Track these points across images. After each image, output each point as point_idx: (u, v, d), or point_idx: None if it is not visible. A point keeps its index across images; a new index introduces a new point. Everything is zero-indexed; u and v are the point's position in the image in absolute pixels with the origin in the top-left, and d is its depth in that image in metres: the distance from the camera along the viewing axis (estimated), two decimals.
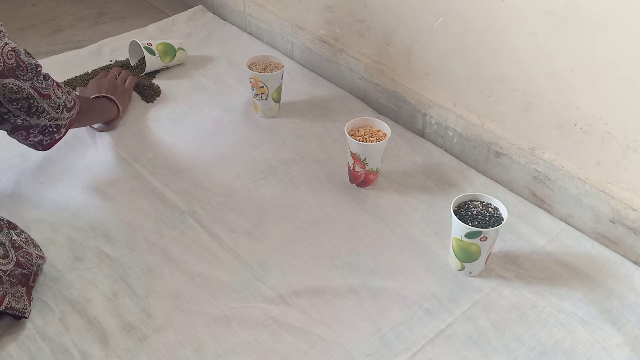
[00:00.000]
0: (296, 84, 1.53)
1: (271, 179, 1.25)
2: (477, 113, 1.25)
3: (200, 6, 1.88)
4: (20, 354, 0.92)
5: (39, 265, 1.02)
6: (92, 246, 1.09)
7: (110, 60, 1.62)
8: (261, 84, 1.36)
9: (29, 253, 0.99)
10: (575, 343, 0.94)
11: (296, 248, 1.10)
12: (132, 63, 1.58)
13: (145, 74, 1.55)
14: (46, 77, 1.09)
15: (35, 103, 1.06)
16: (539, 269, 1.06)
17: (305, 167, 1.27)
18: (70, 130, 1.19)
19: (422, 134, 1.37)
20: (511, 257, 1.08)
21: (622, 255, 1.07)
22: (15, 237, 0.99)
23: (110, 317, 0.97)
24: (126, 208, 1.17)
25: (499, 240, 1.09)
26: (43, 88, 1.07)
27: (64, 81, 1.51)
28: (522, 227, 1.13)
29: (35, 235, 1.08)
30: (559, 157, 1.13)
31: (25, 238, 1.02)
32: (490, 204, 1.03)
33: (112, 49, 1.67)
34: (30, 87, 1.04)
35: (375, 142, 1.16)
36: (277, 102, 1.41)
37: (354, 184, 1.23)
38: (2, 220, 1.00)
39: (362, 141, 1.16)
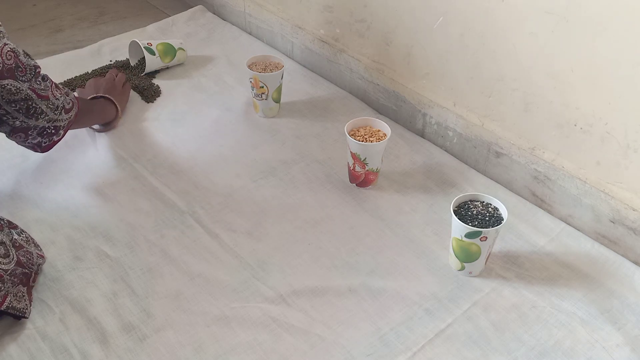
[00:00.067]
0: (296, 84, 1.53)
1: (271, 179, 1.25)
2: (477, 113, 1.25)
3: (200, 6, 1.88)
4: (20, 354, 0.92)
5: (39, 264, 1.02)
6: (92, 246, 1.09)
7: (110, 60, 1.62)
8: (261, 84, 1.36)
9: (30, 252, 1.00)
10: (575, 343, 0.94)
11: (296, 248, 1.10)
12: (132, 63, 1.58)
13: (145, 74, 1.55)
14: (45, 78, 1.09)
15: (34, 104, 1.06)
16: (539, 269, 1.06)
17: (305, 167, 1.28)
18: (69, 130, 1.19)
19: (422, 134, 1.37)
20: (511, 257, 1.08)
21: (622, 255, 1.07)
22: (16, 237, 0.99)
23: (110, 317, 0.97)
24: (126, 208, 1.17)
25: (499, 240, 1.09)
26: (41, 89, 1.07)
27: (64, 81, 1.52)
28: (522, 227, 1.13)
29: (35, 235, 1.08)
30: (559, 157, 1.13)
31: (26, 237, 1.02)
32: (490, 204, 1.03)
33: (112, 49, 1.67)
34: (28, 88, 1.04)
35: (375, 142, 1.16)
36: (277, 102, 1.41)
37: (354, 184, 1.23)
38: (3, 220, 1.00)
39: (362, 141, 1.16)
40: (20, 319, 0.96)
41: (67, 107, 1.14)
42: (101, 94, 1.33)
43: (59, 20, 1.91)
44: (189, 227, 1.13)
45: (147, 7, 2.01)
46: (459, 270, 1.04)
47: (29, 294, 0.97)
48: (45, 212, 1.16)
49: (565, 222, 1.14)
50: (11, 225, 1.01)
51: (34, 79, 1.05)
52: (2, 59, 1.00)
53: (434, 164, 1.28)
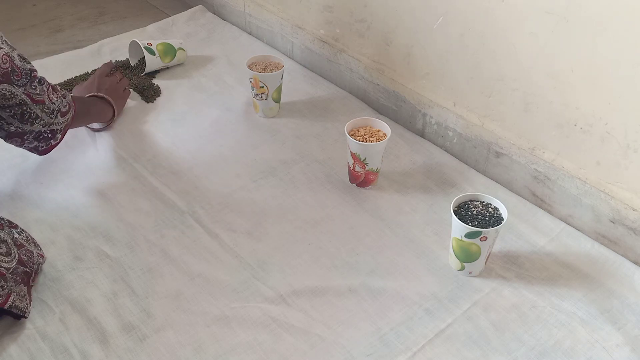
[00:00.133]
0: (296, 84, 1.53)
1: (271, 179, 1.25)
2: (477, 113, 1.25)
3: (200, 6, 1.88)
4: (20, 354, 0.92)
5: (39, 264, 1.02)
6: (92, 246, 1.09)
7: (110, 60, 1.61)
8: (261, 84, 1.36)
9: (30, 251, 1.00)
10: (575, 343, 0.94)
11: (296, 248, 1.10)
12: (132, 63, 1.58)
13: (145, 74, 1.55)
14: (41, 81, 1.07)
15: (28, 110, 1.05)
16: (539, 269, 1.06)
17: (305, 167, 1.28)
18: (69, 130, 1.19)
19: (422, 134, 1.37)
20: (511, 257, 1.08)
21: (622, 255, 1.07)
22: (16, 236, 0.99)
23: (110, 317, 0.97)
24: (126, 208, 1.17)
25: (499, 240, 1.09)
26: (37, 94, 1.06)
27: (64, 81, 1.52)
28: (522, 227, 1.13)
29: (36, 235, 1.08)
30: (559, 157, 1.13)
31: (26, 237, 1.02)
32: (490, 204, 1.03)
33: (112, 49, 1.67)
34: (23, 93, 1.03)
35: (375, 142, 1.16)
36: (277, 102, 1.41)
37: (354, 184, 1.23)
38: (3, 219, 1.00)
39: (362, 141, 1.16)
40: (20, 319, 0.96)
41: (64, 110, 1.13)
42: (102, 94, 1.32)
43: (59, 20, 1.91)
44: (189, 227, 1.13)
45: (147, 7, 2.01)
46: (459, 270, 1.04)
47: (29, 293, 0.97)
48: (45, 212, 1.16)
49: (565, 222, 1.14)
50: (11, 225, 1.01)
51: (29, 84, 1.04)
52: None
53: (434, 164, 1.28)
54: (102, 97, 1.32)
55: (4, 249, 0.94)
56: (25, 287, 0.96)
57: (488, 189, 1.21)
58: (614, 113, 1.02)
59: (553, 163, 1.14)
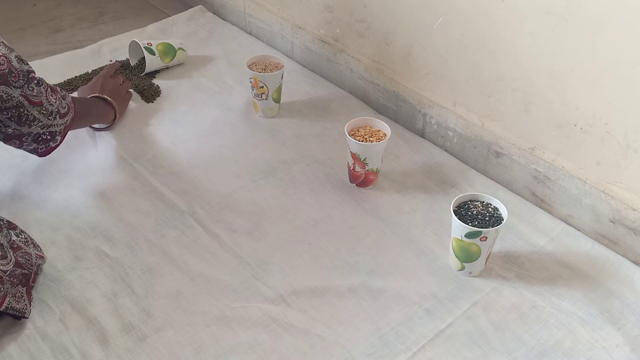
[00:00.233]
0: (296, 84, 1.53)
1: (271, 179, 1.25)
2: (477, 113, 1.25)
3: (200, 6, 1.88)
4: (20, 354, 0.92)
5: (39, 265, 1.02)
6: (92, 246, 1.09)
7: (110, 60, 1.61)
8: (261, 84, 1.36)
9: (28, 253, 0.99)
10: (575, 343, 0.94)
11: (296, 248, 1.10)
12: (132, 63, 1.58)
13: (145, 74, 1.55)
14: (39, 82, 1.07)
15: (26, 112, 1.05)
16: (539, 269, 1.06)
17: (305, 167, 1.28)
18: (70, 130, 1.19)
19: (422, 134, 1.37)
20: (511, 257, 1.08)
21: (622, 255, 1.07)
22: (14, 238, 0.99)
23: (110, 317, 0.97)
24: (126, 208, 1.17)
25: (499, 240, 1.09)
26: (34, 95, 1.05)
27: (64, 81, 1.51)
28: (522, 227, 1.13)
29: (35, 235, 1.08)
30: (559, 157, 1.13)
31: (25, 238, 1.02)
32: (490, 204, 1.03)
33: (112, 49, 1.67)
34: (20, 94, 1.03)
35: (375, 142, 1.16)
36: (277, 102, 1.41)
37: (354, 184, 1.23)
38: (2, 220, 1.00)
39: (362, 141, 1.16)
40: (20, 319, 0.96)
41: (62, 111, 1.13)
42: (105, 95, 1.32)
43: (59, 20, 1.91)
44: (189, 227, 1.13)
45: (147, 7, 2.01)
46: (459, 270, 1.04)
47: (29, 294, 0.97)
48: (45, 212, 1.15)
49: (565, 222, 1.14)
50: (10, 226, 1.01)
51: (26, 85, 1.04)
52: None
53: (434, 164, 1.28)
54: (104, 99, 1.32)
55: None
56: (24, 288, 0.96)
57: (488, 189, 1.21)
58: (614, 113, 1.02)
59: (553, 163, 1.14)
